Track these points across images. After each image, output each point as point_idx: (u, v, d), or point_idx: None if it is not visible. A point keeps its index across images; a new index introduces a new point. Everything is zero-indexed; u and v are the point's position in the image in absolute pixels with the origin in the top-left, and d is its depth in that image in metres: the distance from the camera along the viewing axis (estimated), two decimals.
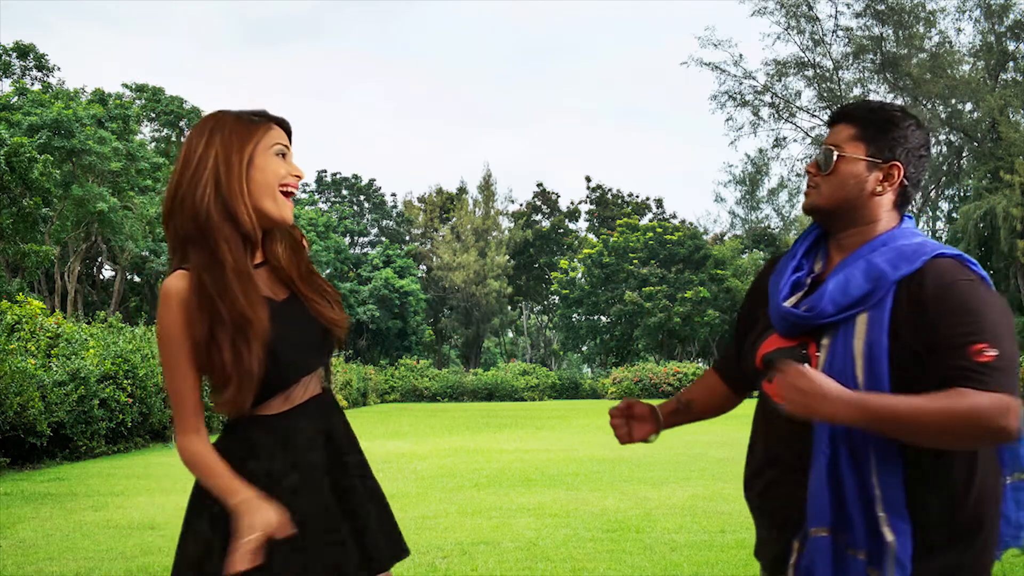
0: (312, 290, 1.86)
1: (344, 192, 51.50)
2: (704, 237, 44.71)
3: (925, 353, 1.65)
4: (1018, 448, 1.76)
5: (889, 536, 1.65)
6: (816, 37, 36.97)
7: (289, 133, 1.90)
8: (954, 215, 39.14)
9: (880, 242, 1.78)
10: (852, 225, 1.82)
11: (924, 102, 35.56)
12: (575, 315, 44.48)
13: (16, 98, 30.31)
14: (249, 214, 1.78)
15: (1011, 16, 34.03)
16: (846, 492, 1.69)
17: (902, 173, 1.80)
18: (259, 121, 1.84)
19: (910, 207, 1.87)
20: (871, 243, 1.79)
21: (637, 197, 53.45)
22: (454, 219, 50.71)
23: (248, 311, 1.72)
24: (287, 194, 1.84)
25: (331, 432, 1.86)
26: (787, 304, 1.81)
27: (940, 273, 1.68)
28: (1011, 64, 35.03)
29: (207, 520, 1.75)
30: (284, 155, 1.85)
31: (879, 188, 1.80)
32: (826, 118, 38.43)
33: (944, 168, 37.96)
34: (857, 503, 1.68)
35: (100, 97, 34.16)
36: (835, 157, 1.81)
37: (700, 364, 37.11)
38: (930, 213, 41.36)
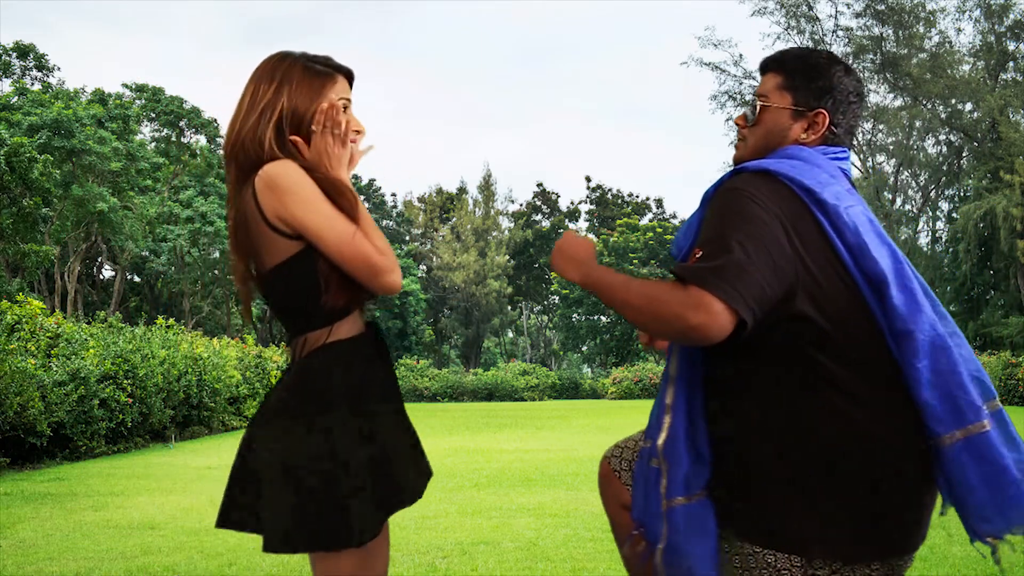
0: None
1: None
2: None
3: None
4: (957, 398, 1.57)
5: (660, 438, 1.68)
6: (816, 37, 36.96)
7: (352, 82, 1.92)
8: (954, 215, 39.12)
9: None
10: None
11: (924, 102, 35.56)
12: (575, 315, 44.49)
13: (16, 98, 30.31)
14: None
15: (1011, 16, 34.03)
16: (657, 402, 1.75)
17: (827, 120, 1.76)
18: (326, 73, 1.86)
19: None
20: None
21: (637, 197, 53.45)
22: (454, 219, 50.72)
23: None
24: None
25: (387, 351, 1.93)
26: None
27: (719, 187, 1.67)
28: (1011, 64, 35.02)
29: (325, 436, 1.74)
30: (347, 109, 1.87)
31: (803, 136, 1.76)
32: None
33: (944, 168, 37.96)
34: (661, 413, 1.72)
35: (100, 97, 34.17)
36: (759, 107, 1.79)
37: None
38: (930, 213, 41.35)
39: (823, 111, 1.76)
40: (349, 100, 1.88)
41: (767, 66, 1.83)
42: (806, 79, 1.76)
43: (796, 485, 1.57)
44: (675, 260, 1.83)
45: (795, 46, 1.87)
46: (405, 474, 1.83)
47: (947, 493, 1.62)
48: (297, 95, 1.82)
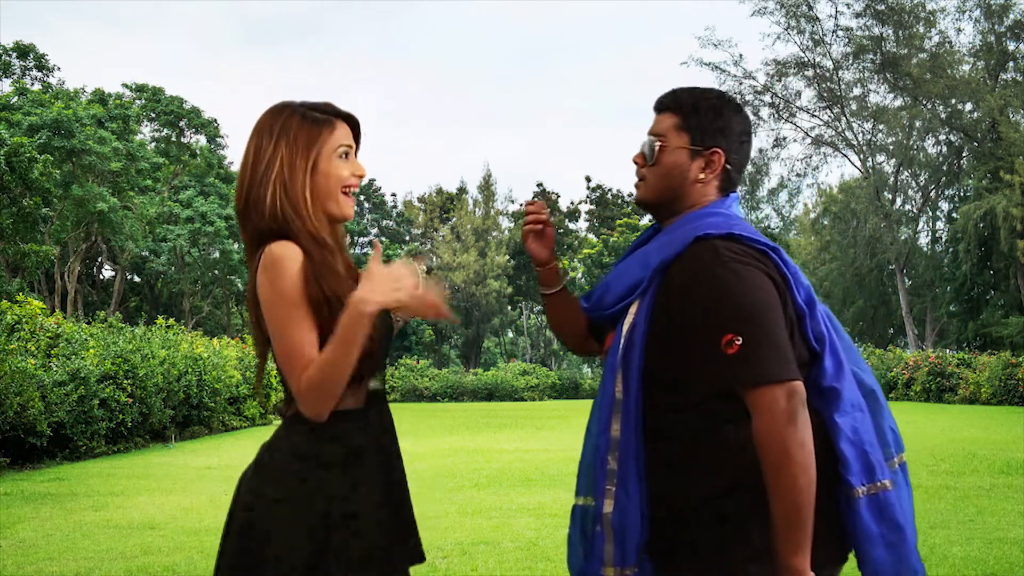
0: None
1: None
2: None
3: (676, 335, 1.68)
4: (869, 455, 1.70)
5: (608, 507, 1.71)
6: (816, 37, 36.96)
7: (356, 127, 1.89)
8: (954, 215, 39.11)
9: (678, 224, 1.79)
10: (677, 213, 1.83)
11: (924, 102, 35.55)
12: None
13: (16, 98, 30.31)
14: (310, 217, 1.80)
15: (1011, 16, 34.03)
16: (597, 466, 1.77)
17: (723, 160, 1.81)
18: (323, 121, 1.84)
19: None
20: (671, 225, 1.81)
21: None
22: (454, 219, 50.74)
23: (344, 294, 1.73)
24: (349, 193, 1.86)
25: (388, 425, 1.89)
26: (584, 303, 1.91)
27: (691, 259, 1.70)
28: (1011, 64, 35.01)
29: (312, 521, 1.73)
30: (348, 155, 1.86)
31: (702, 176, 1.81)
32: (825, 117, 38.45)
33: (944, 168, 37.95)
34: (601, 479, 1.75)
35: (100, 97, 34.16)
36: (658, 148, 1.82)
37: None
38: (930, 213, 41.34)
39: (719, 150, 1.81)
40: (350, 146, 1.86)
41: (662, 106, 1.86)
42: (702, 119, 1.81)
43: (738, 522, 1.66)
44: (595, 308, 1.86)
45: (688, 86, 1.86)
46: (358, 561, 1.75)
47: (854, 545, 1.72)
48: (295, 144, 1.81)
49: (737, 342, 1.61)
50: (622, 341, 1.75)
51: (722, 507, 1.66)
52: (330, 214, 1.85)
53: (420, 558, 1.89)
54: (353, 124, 1.90)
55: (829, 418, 1.71)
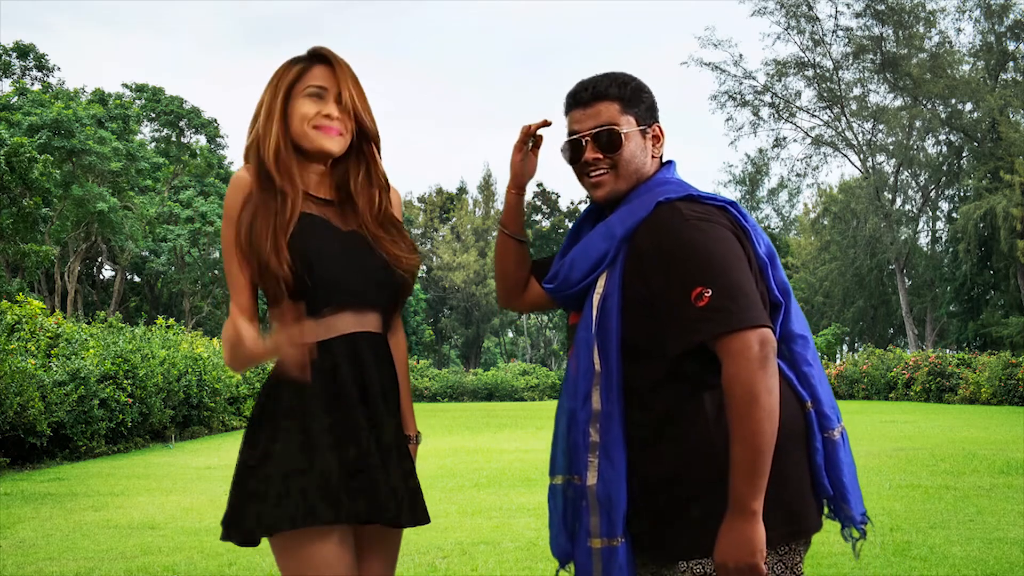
0: (382, 229, 1.93)
1: None
2: None
3: (652, 299, 1.70)
4: (832, 397, 1.79)
5: (591, 479, 1.72)
6: (816, 37, 36.96)
7: (331, 62, 1.91)
8: (954, 215, 39.11)
9: (633, 196, 1.82)
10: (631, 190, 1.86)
11: (924, 102, 35.55)
12: None
13: (16, 98, 30.31)
14: (268, 154, 1.87)
15: (1011, 16, 34.03)
16: (578, 441, 1.77)
17: (662, 131, 1.89)
18: (298, 63, 1.92)
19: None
20: (626, 198, 1.83)
21: None
22: (454, 219, 50.75)
23: (263, 241, 1.81)
24: (322, 128, 1.89)
25: (365, 373, 1.86)
26: (547, 285, 1.90)
27: (656, 222, 1.74)
28: (1011, 64, 35.02)
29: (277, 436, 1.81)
30: (321, 95, 1.89)
31: (653, 151, 1.88)
32: (825, 117, 38.38)
33: (944, 168, 37.95)
34: (583, 452, 1.75)
35: (100, 97, 34.18)
36: (618, 135, 1.83)
37: None
38: (930, 213, 41.34)
39: (657, 124, 1.90)
40: (324, 88, 1.89)
41: (595, 96, 1.87)
42: (638, 100, 1.87)
43: (712, 492, 1.66)
44: (562, 286, 1.85)
45: (598, 74, 1.91)
46: (325, 495, 1.76)
47: (831, 482, 1.78)
48: (273, 86, 1.92)
49: (707, 294, 1.63)
50: (595, 313, 1.77)
51: (696, 477, 1.67)
52: (305, 149, 1.90)
53: (374, 517, 1.81)
54: (328, 61, 1.91)
55: (801, 367, 1.77)
